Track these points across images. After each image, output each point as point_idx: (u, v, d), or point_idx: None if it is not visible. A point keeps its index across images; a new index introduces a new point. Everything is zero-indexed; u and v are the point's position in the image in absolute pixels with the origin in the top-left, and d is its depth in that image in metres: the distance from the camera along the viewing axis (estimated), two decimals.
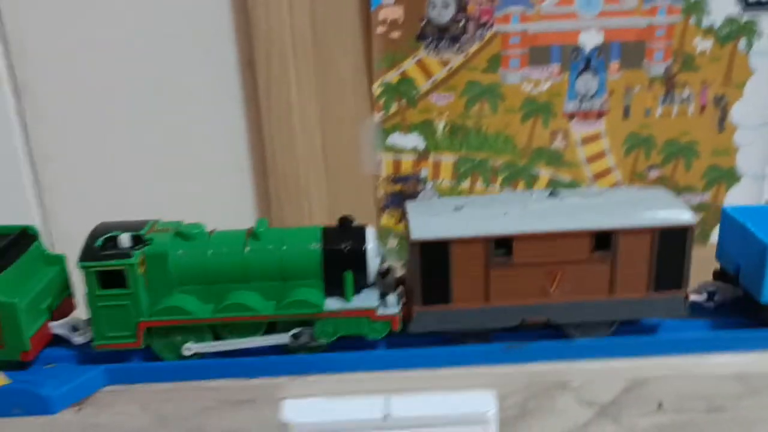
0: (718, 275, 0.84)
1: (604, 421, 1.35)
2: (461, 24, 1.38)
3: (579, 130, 1.47)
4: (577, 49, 1.42)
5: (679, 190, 1.52)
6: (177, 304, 0.75)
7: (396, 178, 1.49)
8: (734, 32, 1.42)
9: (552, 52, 1.42)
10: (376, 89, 1.42)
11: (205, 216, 1.30)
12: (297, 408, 0.73)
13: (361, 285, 0.76)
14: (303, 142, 1.39)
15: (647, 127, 1.47)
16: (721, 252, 0.79)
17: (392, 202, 1.50)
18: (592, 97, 1.45)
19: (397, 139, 1.46)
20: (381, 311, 0.75)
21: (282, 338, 0.76)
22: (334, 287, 0.75)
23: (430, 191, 1.50)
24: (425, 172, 1.49)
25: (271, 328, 0.77)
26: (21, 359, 0.76)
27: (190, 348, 0.76)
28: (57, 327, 0.81)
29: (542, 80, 1.43)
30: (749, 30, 1.42)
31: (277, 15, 1.28)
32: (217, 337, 0.77)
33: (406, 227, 0.77)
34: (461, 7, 1.37)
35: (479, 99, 1.43)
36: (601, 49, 1.42)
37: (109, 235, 0.75)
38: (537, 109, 1.45)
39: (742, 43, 1.43)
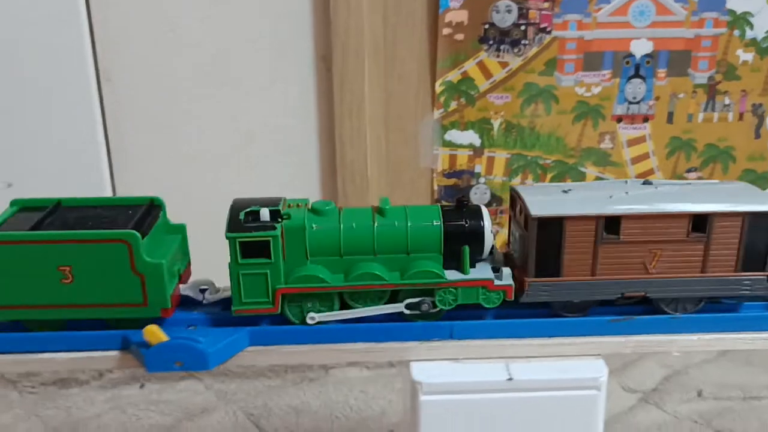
0: None
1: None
2: (522, 29, 1.47)
3: (626, 132, 1.56)
4: (628, 56, 1.51)
5: None
6: (312, 273, 0.81)
7: (451, 173, 1.57)
8: None
9: (605, 58, 1.51)
10: (438, 87, 1.50)
11: None
12: (425, 369, 0.81)
13: (475, 259, 0.83)
14: (370, 136, 1.47)
15: (689, 131, 1.57)
16: None
17: (446, 194, 1.58)
18: (640, 101, 1.54)
19: (454, 135, 1.54)
20: (497, 282, 0.82)
21: (397, 307, 0.83)
22: (452, 261, 0.82)
23: (483, 186, 1.58)
24: (479, 167, 1.57)
25: (393, 298, 0.84)
26: (161, 315, 0.81)
27: (314, 317, 0.82)
28: (186, 289, 0.87)
29: (594, 84, 1.52)
30: None
31: (356, 14, 1.36)
32: (344, 305, 0.84)
33: (519, 207, 0.84)
34: (523, 13, 1.46)
35: (534, 100, 1.52)
36: (651, 57, 1.51)
37: (250, 209, 0.81)
38: (588, 111, 1.54)
39: None
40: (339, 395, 1.43)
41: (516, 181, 1.58)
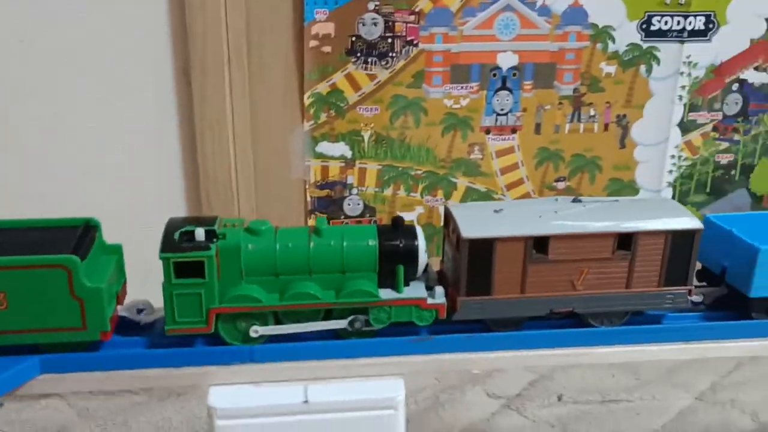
0: (701, 275, 0.98)
1: (509, 412, 1.48)
2: (389, 41, 1.47)
3: (494, 143, 1.58)
4: (495, 69, 1.53)
5: None
6: (247, 293, 0.81)
7: (323, 184, 1.57)
8: (636, 58, 1.55)
9: (472, 71, 1.52)
10: (307, 99, 1.49)
11: (138, 218, 1.34)
12: (222, 394, 0.81)
13: (409, 278, 0.85)
14: (235, 149, 1.45)
15: (556, 142, 1.60)
16: (704, 255, 0.91)
17: (319, 206, 1.58)
18: (507, 113, 1.56)
19: (325, 147, 1.54)
20: (430, 301, 0.84)
21: (339, 324, 0.84)
22: (386, 280, 0.84)
23: (356, 197, 1.58)
24: (351, 178, 1.57)
25: (327, 317, 0.85)
26: (101, 339, 0.81)
27: (257, 330, 0.82)
28: (123, 310, 0.88)
29: (462, 96, 1.53)
30: (649, 56, 1.56)
31: (214, 25, 1.34)
32: (279, 324, 0.84)
33: (452, 227, 0.85)
34: (389, 26, 1.45)
35: (403, 112, 1.52)
36: (517, 70, 1.53)
37: (185, 229, 0.81)
38: (457, 123, 1.55)
39: (643, 68, 1.56)
40: (202, 410, 1.41)
41: (388, 192, 1.58)
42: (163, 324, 0.83)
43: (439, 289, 0.85)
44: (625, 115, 1.60)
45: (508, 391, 1.60)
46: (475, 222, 0.83)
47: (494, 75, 1.53)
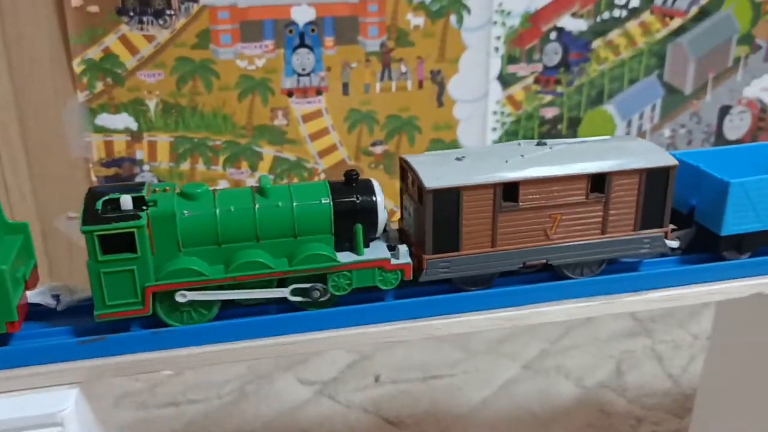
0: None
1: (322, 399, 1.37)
2: None
3: (299, 107, 1.45)
4: (290, 25, 1.39)
5: None
6: (187, 266, 0.71)
7: (109, 162, 1.41)
8: (444, 8, 1.44)
9: (264, 28, 1.38)
10: (77, 67, 1.32)
11: None
12: None
13: (369, 238, 0.76)
14: None
15: (368, 103, 1.48)
16: None
17: None
18: (310, 73, 1.43)
19: (106, 119, 1.37)
20: (394, 261, 0.75)
21: (283, 292, 0.74)
22: (343, 241, 0.75)
23: (147, 174, 1.43)
24: (140, 154, 1.41)
25: (281, 287, 0.75)
26: (8, 330, 0.69)
27: (185, 294, 0.71)
28: (35, 296, 0.74)
29: (257, 56, 1.39)
30: (458, 5, 1.45)
31: None
32: (225, 301, 0.74)
33: (411, 179, 0.76)
34: None
35: (191, 76, 1.37)
36: (315, 25, 1.40)
37: (109, 197, 0.69)
38: (254, 86, 1.41)
39: (453, 18, 1.46)
40: None
41: (185, 167, 1.44)
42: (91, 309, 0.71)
43: (403, 248, 0.76)
44: (439, 71, 1.49)
45: (322, 375, 1.50)
46: (437, 171, 0.74)
47: (290, 31, 1.39)
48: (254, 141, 1.45)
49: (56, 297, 0.76)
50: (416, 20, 1.44)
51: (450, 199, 0.74)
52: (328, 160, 1.50)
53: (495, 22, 1.48)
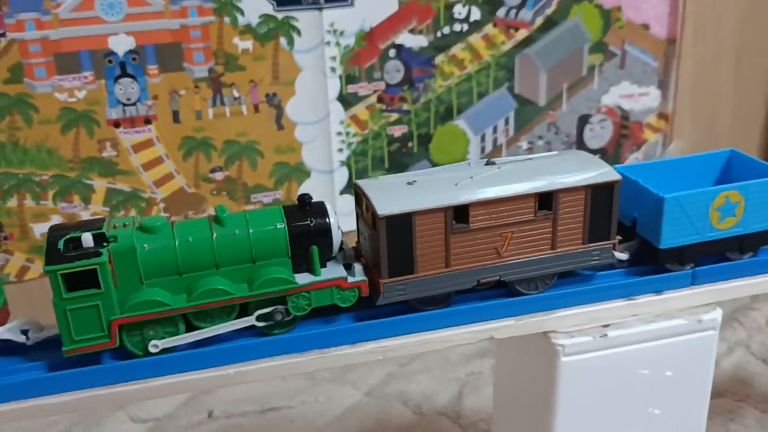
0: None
1: None
2: None
3: (128, 137, 1.42)
4: (109, 55, 1.36)
5: (249, 189, 1.51)
6: (150, 298, 0.74)
7: None
8: (272, 31, 1.41)
9: (81, 59, 1.35)
10: None
11: None
12: None
13: (324, 259, 0.79)
14: None
15: (201, 129, 1.45)
16: None
17: None
18: (136, 102, 1.40)
19: None
20: (351, 279, 0.78)
21: (250, 320, 0.77)
22: (300, 263, 0.78)
23: None
24: None
25: (243, 312, 0.77)
26: None
27: (157, 345, 0.75)
28: (4, 332, 0.76)
29: (77, 88, 1.36)
30: (287, 27, 1.42)
31: None
32: (190, 327, 0.77)
33: (365, 205, 0.79)
34: None
35: (8, 111, 1.34)
36: (136, 53, 1.37)
37: (70, 235, 0.72)
38: (76, 118, 1.38)
39: (283, 41, 1.43)
40: None
41: (12, 203, 1.40)
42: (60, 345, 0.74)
43: (358, 267, 0.80)
44: (275, 94, 1.46)
45: (156, 412, 1.47)
46: (389, 196, 0.77)
47: (110, 61, 1.36)
48: (83, 174, 1.41)
49: (25, 332, 0.78)
50: (244, 44, 1.41)
51: (403, 223, 0.76)
52: (166, 188, 1.47)
53: (328, 43, 1.45)
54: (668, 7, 1.63)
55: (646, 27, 1.63)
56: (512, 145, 1.65)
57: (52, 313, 0.73)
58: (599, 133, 1.70)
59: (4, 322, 0.78)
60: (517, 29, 1.55)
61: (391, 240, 0.76)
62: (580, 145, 1.69)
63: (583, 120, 1.68)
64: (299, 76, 1.46)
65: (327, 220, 0.77)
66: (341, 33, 1.45)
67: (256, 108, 1.46)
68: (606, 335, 0.79)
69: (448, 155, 1.60)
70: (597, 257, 0.82)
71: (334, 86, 1.49)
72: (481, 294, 0.82)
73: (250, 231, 0.75)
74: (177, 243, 0.74)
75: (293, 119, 1.49)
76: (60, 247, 0.72)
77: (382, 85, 1.52)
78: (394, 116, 1.55)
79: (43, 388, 0.74)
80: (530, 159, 0.83)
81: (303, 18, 1.42)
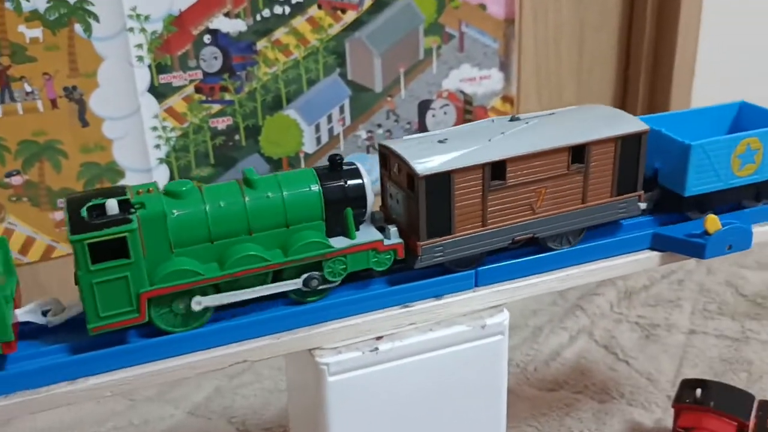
0: None
1: None
2: None
3: None
4: None
5: (54, 194, 1.36)
6: (182, 267, 0.69)
7: None
8: (65, 17, 1.27)
9: None
10: None
11: None
12: None
13: (358, 222, 0.76)
14: None
15: None
16: None
17: None
18: None
19: None
20: (387, 242, 0.75)
21: (295, 283, 0.73)
22: (334, 227, 0.75)
23: None
24: None
25: (275, 280, 0.73)
26: (4, 352, 0.66)
27: (200, 302, 0.70)
28: (24, 314, 0.70)
29: None
30: (82, 13, 1.28)
31: None
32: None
33: (398, 166, 0.76)
34: None
35: None
36: None
37: (93, 202, 0.67)
38: None
39: (79, 28, 1.28)
40: None
41: None
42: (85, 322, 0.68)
43: (393, 229, 0.77)
44: (75, 87, 1.32)
45: None
46: (425, 156, 0.74)
47: None
48: None
49: (45, 313, 0.72)
50: (32, 32, 1.26)
51: (442, 183, 0.74)
52: None
53: (131, 29, 1.32)
54: None
55: (483, 7, 1.57)
56: (350, 135, 1.55)
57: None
58: (442, 119, 1.63)
59: (19, 304, 0.72)
60: (344, 11, 1.46)
61: (430, 200, 0.74)
62: (424, 131, 1.62)
63: (424, 106, 1.60)
64: (101, 66, 1.32)
65: (361, 181, 0.75)
66: (146, 18, 1.32)
67: (54, 103, 1.31)
68: (377, 349, 0.71)
69: (280, 147, 1.50)
70: (624, 210, 0.83)
71: (143, 77, 1.35)
72: (231, 312, 0.75)
73: (284, 194, 0.72)
74: (208, 208, 0.70)
75: (99, 114, 1.35)
76: (83, 215, 0.66)
77: (199, 74, 1.39)
78: (216, 107, 1.43)
79: (68, 372, 0.67)
80: (553, 114, 0.83)
81: (99, 2, 1.28)
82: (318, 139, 1.53)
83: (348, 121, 1.54)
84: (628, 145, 0.80)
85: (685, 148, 0.83)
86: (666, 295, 1.56)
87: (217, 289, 0.71)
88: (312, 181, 0.74)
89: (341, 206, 0.74)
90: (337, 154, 0.75)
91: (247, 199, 0.71)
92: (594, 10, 1.70)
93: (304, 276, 0.73)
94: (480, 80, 1.62)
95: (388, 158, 0.79)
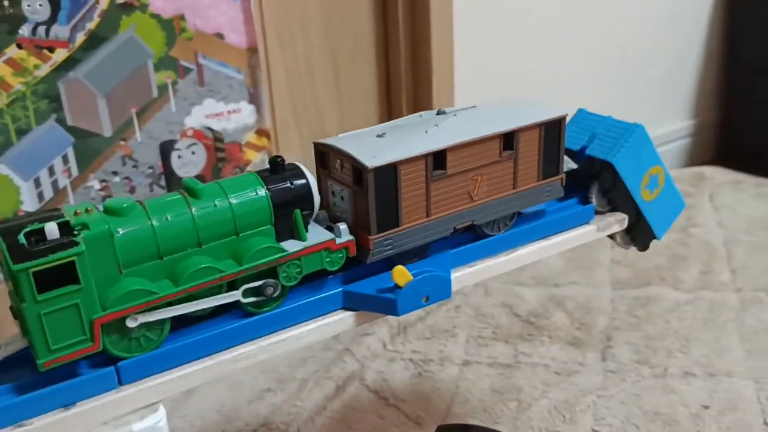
0: None
1: None
2: None
3: None
4: None
5: None
6: (136, 287, 0.65)
7: None
8: None
9: None
10: None
11: None
12: None
13: (305, 224, 0.74)
14: None
15: None
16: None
17: None
18: None
19: None
20: (339, 241, 0.74)
21: (234, 295, 0.70)
22: (283, 231, 0.74)
23: None
24: None
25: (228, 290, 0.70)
26: None
27: (137, 318, 0.64)
28: None
29: None
30: None
31: None
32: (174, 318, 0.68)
33: (340, 162, 0.77)
34: None
35: None
36: None
37: (30, 228, 0.61)
38: None
39: None
40: None
41: None
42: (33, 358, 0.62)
43: (342, 226, 0.75)
44: None
45: None
46: (369, 150, 0.75)
47: None
48: None
49: None
50: None
51: (389, 175, 0.75)
52: None
53: None
54: (242, 14, 1.46)
55: (220, 36, 1.45)
56: (80, 186, 1.38)
57: None
58: (191, 160, 1.49)
59: None
60: (52, 49, 1.28)
61: (379, 193, 0.75)
62: (170, 175, 1.47)
63: (167, 147, 1.45)
64: None
65: (307, 181, 0.74)
66: None
67: None
68: None
69: None
70: (548, 193, 0.87)
71: None
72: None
73: (231, 202, 0.70)
74: (155, 223, 0.67)
75: None
76: (22, 242, 0.61)
77: None
78: None
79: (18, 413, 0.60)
80: (475, 107, 0.86)
81: None
82: (40, 195, 1.34)
83: (75, 172, 1.36)
84: (551, 130, 0.85)
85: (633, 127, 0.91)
86: (442, 325, 1.50)
87: (169, 306, 0.67)
88: (257, 185, 0.72)
89: (289, 208, 0.73)
90: (278, 156, 0.75)
91: (194, 209, 0.69)
92: (347, 37, 1.63)
93: (258, 284, 0.71)
94: (229, 115, 1.50)
95: (327, 156, 0.79)
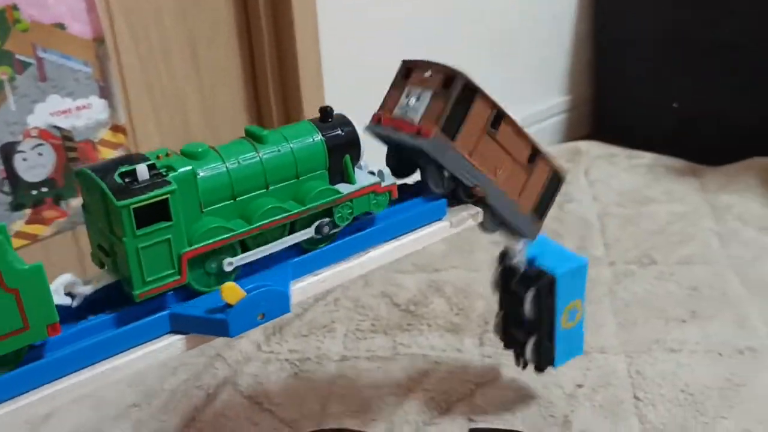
0: None
1: None
2: None
3: None
4: None
5: None
6: (215, 225, 0.71)
7: None
8: None
9: None
10: None
11: None
12: None
13: (353, 167, 0.80)
14: None
15: None
16: None
17: None
18: None
19: None
20: (384, 184, 0.80)
21: (308, 232, 0.77)
22: (335, 175, 0.79)
23: None
24: None
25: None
26: (49, 335, 0.63)
27: (232, 262, 0.72)
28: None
29: None
30: None
31: None
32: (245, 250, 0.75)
33: (431, 71, 0.88)
34: None
35: None
36: None
37: (124, 168, 0.66)
38: None
39: None
40: None
41: None
42: (128, 290, 0.68)
43: (386, 170, 0.83)
44: None
45: None
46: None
47: None
48: None
49: (69, 294, 0.70)
50: None
51: (469, 95, 0.84)
52: None
53: None
54: (84, 2, 1.35)
55: (61, 26, 1.34)
56: None
57: None
58: (39, 162, 1.37)
59: None
60: None
61: (457, 101, 0.83)
62: (17, 180, 1.35)
63: (9, 149, 1.33)
64: None
65: (355, 129, 0.79)
66: None
67: None
68: None
69: None
70: (525, 226, 1.00)
71: None
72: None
73: (293, 146, 0.75)
74: (230, 167, 0.72)
75: None
76: (118, 181, 0.65)
77: None
78: None
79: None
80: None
81: None
82: None
83: None
84: (553, 184, 1.01)
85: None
86: (320, 320, 1.45)
87: (243, 245, 0.74)
88: (313, 132, 0.78)
89: (341, 153, 0.79)
90: (327, 106, 0.79)
91: (261, 154, 0.74)
92: (204, 23, 1.54)
93: (316, 224, 0.76)
94: (77, 111, 1.39)
95: (413, 69, 0.90)
